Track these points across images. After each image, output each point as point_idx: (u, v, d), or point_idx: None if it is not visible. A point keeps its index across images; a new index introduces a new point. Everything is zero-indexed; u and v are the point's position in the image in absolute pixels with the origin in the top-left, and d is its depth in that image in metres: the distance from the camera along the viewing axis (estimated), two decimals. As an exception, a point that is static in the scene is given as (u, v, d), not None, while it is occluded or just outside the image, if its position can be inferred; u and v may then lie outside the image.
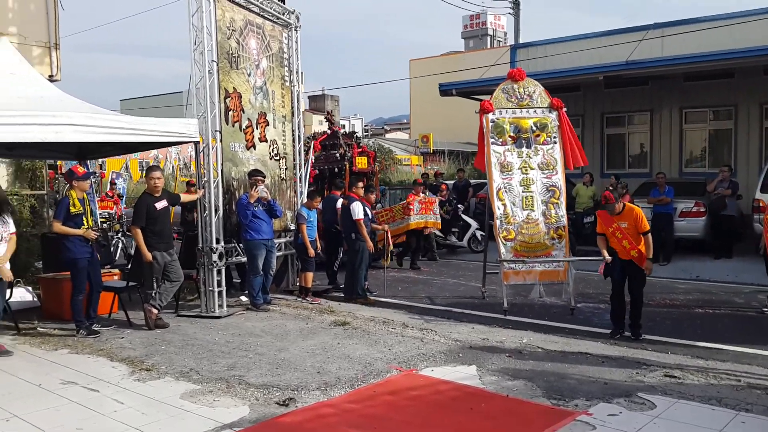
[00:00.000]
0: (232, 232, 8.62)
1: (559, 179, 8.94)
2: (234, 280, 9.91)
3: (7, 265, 6.33)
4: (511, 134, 8.90)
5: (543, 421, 4.66)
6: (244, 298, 9.01)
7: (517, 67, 9.27)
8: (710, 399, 5.04)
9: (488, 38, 70.35)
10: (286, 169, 10.00)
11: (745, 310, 8.42)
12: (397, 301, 9.37)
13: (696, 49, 15.68)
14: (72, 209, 6.94)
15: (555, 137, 9.02)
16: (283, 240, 9.46)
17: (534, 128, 8.96)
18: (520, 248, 8.60)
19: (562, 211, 8.86)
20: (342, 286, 10.26)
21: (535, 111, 9.03)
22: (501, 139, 8.88)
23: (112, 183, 18.27)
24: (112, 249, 11.26)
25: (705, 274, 11.04)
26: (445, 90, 18.78)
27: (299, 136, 10.39)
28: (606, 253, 7.25)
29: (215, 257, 8.05)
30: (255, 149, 9.20)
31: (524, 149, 8.89)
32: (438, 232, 14.70)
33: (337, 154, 12.60)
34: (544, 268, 8.69)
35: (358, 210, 9.17)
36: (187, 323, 7.72)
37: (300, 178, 10.35)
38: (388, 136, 64.57)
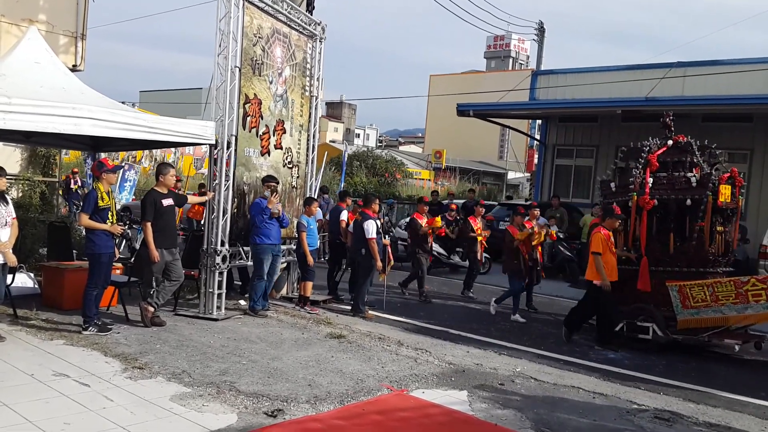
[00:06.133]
0: (237, 236, 8.67)
1: None
2: (234, 282, 9.95)
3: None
4: None
5: (528, 455, 4.66)
6: (242, 302, 9.06)
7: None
8: (698, 446, 5.03)
9: (510, 60, 70.66)
10: (297, 177, 10.07)
11: (743, 356, 8.37)
12: (395, 317, 9.39)
13: (716, 91, 15.72)
14: (100, 203, 6.89)
15: None
16: (286, 247, 9.50)
17: None
18: None
19: None
20: (342, 297, 10.33)
21: None
22: None
23: None
24: (116, 241, 11.30)
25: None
26: (463, 110, 18.87)
27: (314, 146, 10.46)
28: None
29: (218, 259, 8.09)
30: (269, 156, 9.26)
31: None
32: (441, 251, 14.73)
33: (692, 178, 8.39)
34: None
35: (371, 229, 9.21)
36: (184, 323, 7.75)
37: (310, 187, 10.40)
38: (401, 148, 64.75)
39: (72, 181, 17.86)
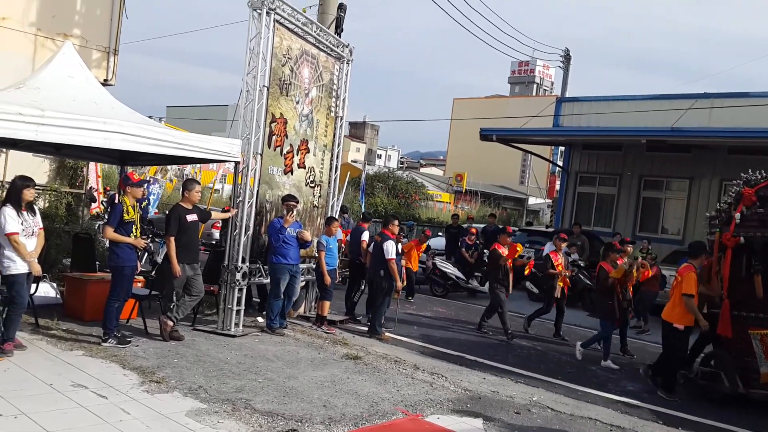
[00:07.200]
0: (258, 253, 8.72)
1: None
2: (253, 299, 9.99)
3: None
4: None
5: (543, 487, 4.60)
6: (260, 320, 9.08)
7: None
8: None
9: (534, 86, 70.75)
10: (319, 196, 10.13)
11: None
12: (412, 340, 9.35)
13: (744, 123, 15.58)
14: (126, 216, 7.00)
15: None
16: (305, 266, 9.54)
17: None
18: None
19: None
20: (359, 318, 10.33)
21: None
22: None
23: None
24: (138, 254, 11.43)
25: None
26: (486, 134, 18.92)
27: (337, 165, 10.53)
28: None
29: (239, 276, 8.14)
30: (292, 174, 9.35)
31: None
32: (460, 275, 14.69)
33: None
34: None
35: (391, 249, 9.23)
36: (202, 338, 7.79)
37: (331, 207, 10.46)
38: (422, 170, 64.86)
39: (116, 194, 18.07)
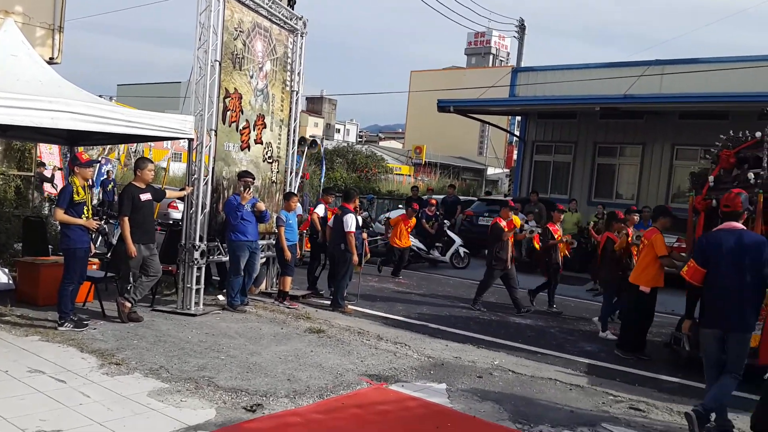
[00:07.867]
0: (216, 231, 8.62)
1: None
2: (213, 278, 9.90)
3: None
4: None
5: (506, 446, 4.71)
6: (221, 297, 9.01)
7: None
8: (672, 435, 5.12)
9: (491, 57, 70.98)
10: (278, 172, 10.04)
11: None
12: (374, 312, 9.40)
13: (693, 89, 15.94)
14: (75, 197, 6.82)
15: None
16: (265, 242, 9.48)
17: None
18: None
19: None
20: (321, 292, 10.33)
21: None
22: None
23: None
24: (92, 236, 11.18)
25: (681, 309, 11.12)
26: (443, 106, 18.95)
27: (294, 140, 10.43)
28: None
29: (197, 255, 8.04)
30: (249, 150, 9.22)
31: None
32: (421, 246, 14.79)
33: (750, 176, 6.94)
34: None
35: (350, 222, 9.22)
36: (162, 318, 7.69)
37: (290, 182, 10.37)
38: (381, 143, 64.74)
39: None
